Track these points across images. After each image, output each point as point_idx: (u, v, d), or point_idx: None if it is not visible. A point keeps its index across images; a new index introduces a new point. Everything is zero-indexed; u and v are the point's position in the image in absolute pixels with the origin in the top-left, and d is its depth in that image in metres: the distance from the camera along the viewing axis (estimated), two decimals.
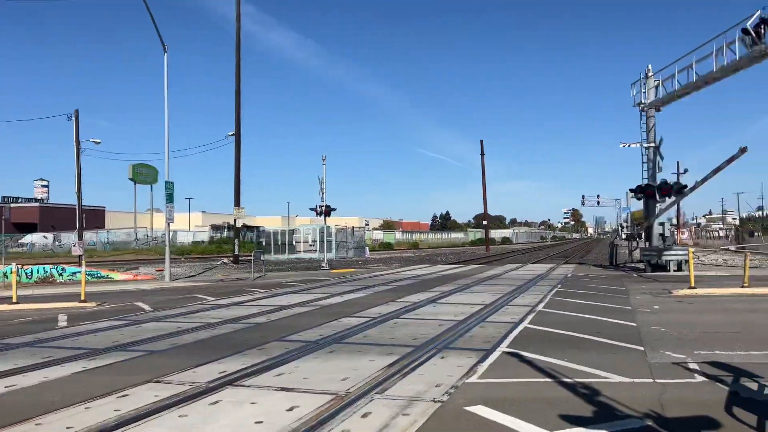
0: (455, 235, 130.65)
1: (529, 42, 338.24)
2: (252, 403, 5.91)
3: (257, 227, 68.08)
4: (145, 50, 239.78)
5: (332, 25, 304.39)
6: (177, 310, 13.89)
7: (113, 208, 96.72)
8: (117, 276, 26.03)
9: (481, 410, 5.52)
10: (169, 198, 24.31)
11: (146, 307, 14.67)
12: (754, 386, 6.34)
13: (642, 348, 8.47)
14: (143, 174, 76.54)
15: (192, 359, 8.06)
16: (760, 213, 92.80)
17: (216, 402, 5.98)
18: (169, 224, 24.72)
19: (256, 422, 5.32)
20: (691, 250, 18.44)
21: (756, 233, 50.77)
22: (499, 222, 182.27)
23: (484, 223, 72.54)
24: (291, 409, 5.69)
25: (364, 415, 5.46)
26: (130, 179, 76.29)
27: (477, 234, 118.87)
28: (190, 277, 26.79)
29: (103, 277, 25.49)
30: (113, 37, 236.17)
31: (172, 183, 24.37)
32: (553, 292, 16.66)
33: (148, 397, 6.16)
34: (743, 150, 19.73)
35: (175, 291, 19.76)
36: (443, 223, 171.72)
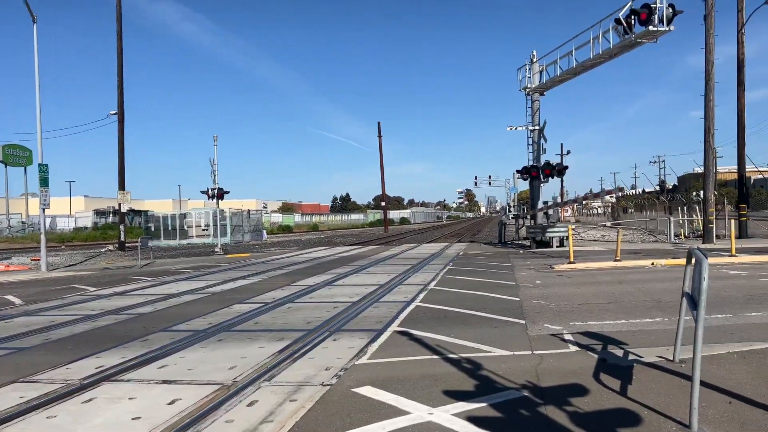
0: (355, 217, 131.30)
1: (425, 26, 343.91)
2: (130, 399, 5.60)
3: (145, 211, 64.70)
4: (14, 21, 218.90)
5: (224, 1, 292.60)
6: (52, 303, 12.91)
7: None
8: None
9: (368, 391, 5.57)
10: (44, 182, 22.52)
11: (17, 301, 13.52)
12: (620, 353, 6.86)
13: (523, 321, 8.92)
14: (15, 156, 69.97)
15: (66, 355, 7.53)
16: (634, 191, 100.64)
17: (90, 400, 5.62)
18: (44, 210, 22.89)
19: (133, 418, 5.05)
20: (571, 227, 19.68)
21: (629, 210, 55.05)
22: (397, 203, 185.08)
23: (383, 204, 73.38)
24: (172, 402, 5.45)
25: (251, 404, 5.35)
26: (0, 161, 69.73)
27: (376, 215, 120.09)
28: (70, 266, 25.04)
29: None
30: None
31: (46, 165, 22.57)
32: (445, 270, 17.17)
33: (12, 399, 5.67)
34: (620, 189, 21.98)
35: (52, 282, 18.38)
36: (343, 204, 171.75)
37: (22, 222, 67.76)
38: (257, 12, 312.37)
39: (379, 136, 65.12)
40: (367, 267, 19.42)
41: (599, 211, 77.70)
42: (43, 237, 22.76)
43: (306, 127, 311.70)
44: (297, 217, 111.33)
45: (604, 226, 42.92)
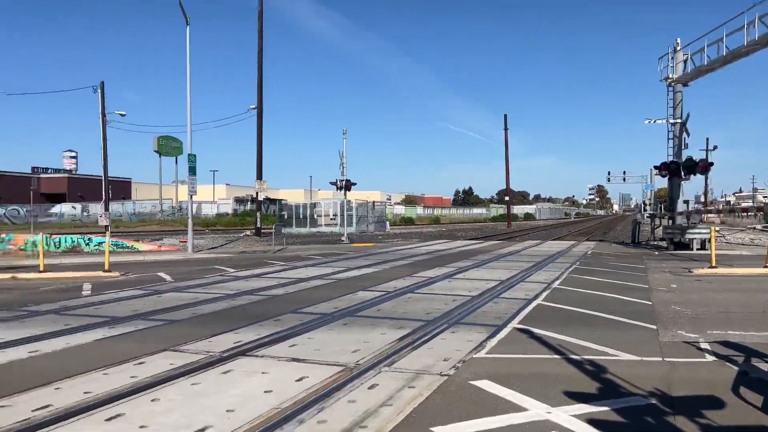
0: (477, 211, 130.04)
1: (554, 17, 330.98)
2: (263, 373, 6.06)
3: (279, 200, 68.58)
4: (168, 22, 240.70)
5: None
6: (197, 281, 14.18)
7: (139, 180, 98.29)
8: (141, 247, 26.55)
9: (485, 384, 5.59)
10: (192, 170, 24.61)
11: (168, 278, 15.00)
12: (764, 367, 6.30)
13: (655, 327, 8.44)
14: (168, 146, 77.20)
15: (208, 329, 8.26)
16: None
17: (228, 371, 6.15)
18: (191, 196, 25.07)
19: (265, 391, 5.47)
20: (714, 228, 18.17)
21: None
22: (522, 198, 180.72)
23: (506, 198, 71.99)
24: (300, 379, 5.83)
25: (371, 387, 5.58)
26: (155, 151, 77.02)
27: (499, 210, 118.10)
28: (212, 248, 27.22)
29: (128, 247, 26.03)
30: (138, 9, 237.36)
31: (194, 155, 24.66)
32: (571, 269, 16.59)
33: (163, 365, 6.35)
34: None
35: (197, 262, 20.12)
36: (465, 198, 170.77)
37: (173, 207, 74.54)
38: (382, 6, 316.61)
39: (505, 129, 63.91)
40: (488, 262, 19.25)
41: (749, 213, 70.67)
42: (190, 221, 24.92)
43: (431, 120, 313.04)
44: (419, 210, 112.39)
45: (754, 229, 39.08)
